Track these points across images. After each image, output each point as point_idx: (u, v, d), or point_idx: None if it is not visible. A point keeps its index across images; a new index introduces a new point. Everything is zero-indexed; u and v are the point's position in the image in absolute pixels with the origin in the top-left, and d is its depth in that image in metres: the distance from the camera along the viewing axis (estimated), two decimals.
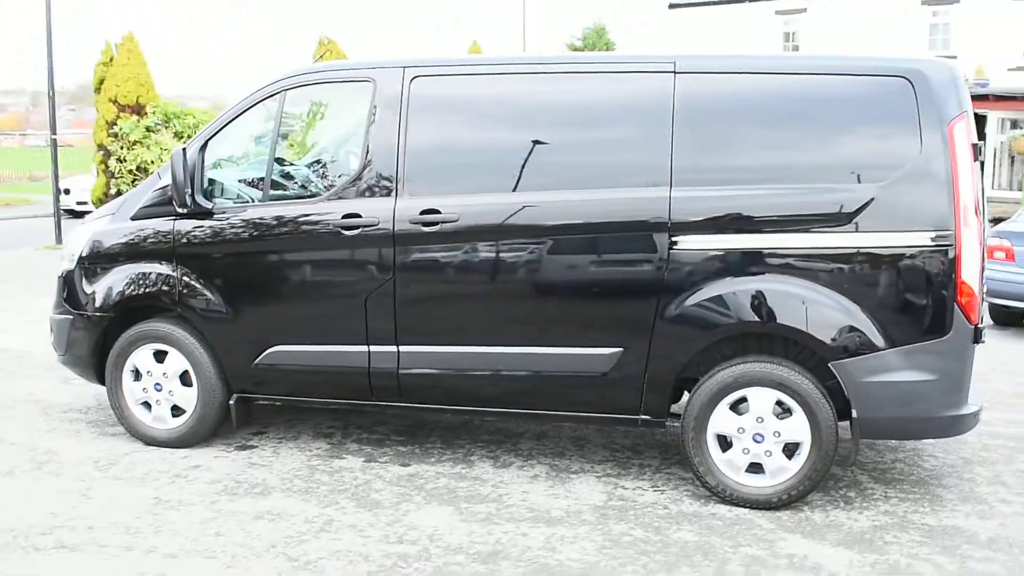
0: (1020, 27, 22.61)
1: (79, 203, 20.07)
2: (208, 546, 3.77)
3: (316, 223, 4.58)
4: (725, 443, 4.25)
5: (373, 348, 4.56)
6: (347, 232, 4.52)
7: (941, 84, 4.03)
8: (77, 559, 3.65)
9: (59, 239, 15.07)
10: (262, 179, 4.86)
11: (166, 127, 15.90)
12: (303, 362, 4.69)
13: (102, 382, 5.18)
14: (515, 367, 4.43)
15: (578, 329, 4.36)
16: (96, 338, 5.02)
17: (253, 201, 4.81)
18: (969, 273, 3.99)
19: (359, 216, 4.50)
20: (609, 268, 4.31)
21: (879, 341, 4.04)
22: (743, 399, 4.19)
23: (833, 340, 4.07)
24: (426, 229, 4.42)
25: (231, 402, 4.87)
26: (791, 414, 4.15)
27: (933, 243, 3.99)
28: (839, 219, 4.06)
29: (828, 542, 3.91)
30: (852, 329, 4.05)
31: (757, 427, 4.18)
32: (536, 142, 4.41)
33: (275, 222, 4.65)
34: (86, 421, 5.46)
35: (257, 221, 4.68)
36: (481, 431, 5.34)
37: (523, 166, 4.41)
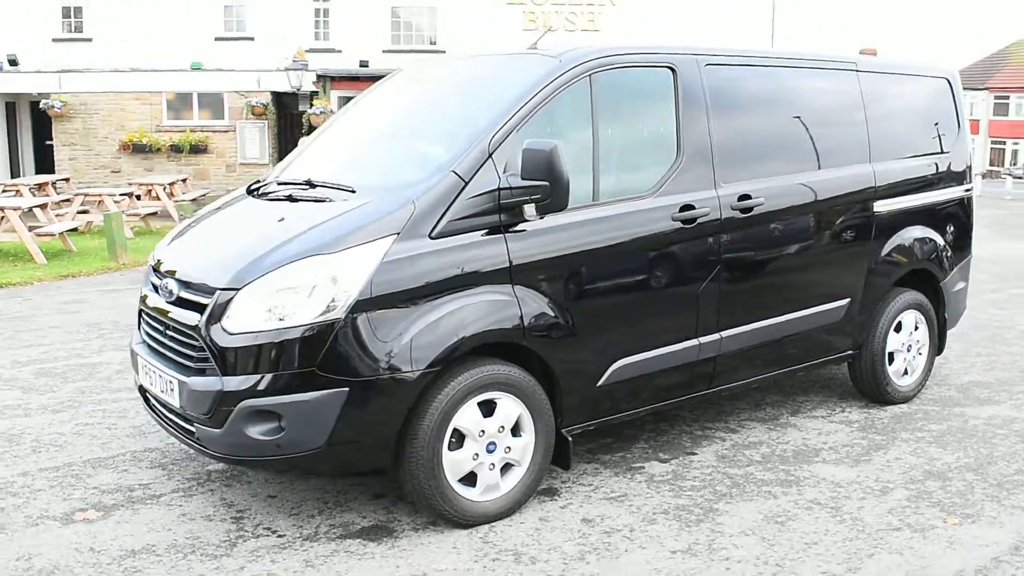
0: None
1: None
2: None
3: (655, 219, 4.26)
4: (891, 358, 5.55)
5: (702, 340, 4.49)
6: (684, 225, 4.34)
7: (958, 84, 5.95)
8: None
9: None
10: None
11: None
12: (642, 371, 4.31)
13: (383, 470, 3.76)
14: (796, 329, 4.93)
15: (830, 286, 5.11)
16: (406, 408, 3.64)
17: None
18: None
19: (693, 207, 4.37)
20: (849, 229, 5.14)
21: (950, 266, 5.84)
22: (899, 322, 5.55)
23: (942, 268, 5.72)
24: (742, 215, 4.57)
25: (570, 438, 4.13)
26: (918, 328, 5.67)
27: (966, 193, 5.94)
28: (935, 180, 5.70)
29: (974, 403, 5.61)
30: (947, 258, 5.76)
31: (909, 340, 5.60)
32: (800, 127, 4.95)
33: (616, 222, 4.15)
34: (309, 528, 3.75)
35: (601, 223, 4.10)
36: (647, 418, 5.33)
37: (792, 149, 4.91)
